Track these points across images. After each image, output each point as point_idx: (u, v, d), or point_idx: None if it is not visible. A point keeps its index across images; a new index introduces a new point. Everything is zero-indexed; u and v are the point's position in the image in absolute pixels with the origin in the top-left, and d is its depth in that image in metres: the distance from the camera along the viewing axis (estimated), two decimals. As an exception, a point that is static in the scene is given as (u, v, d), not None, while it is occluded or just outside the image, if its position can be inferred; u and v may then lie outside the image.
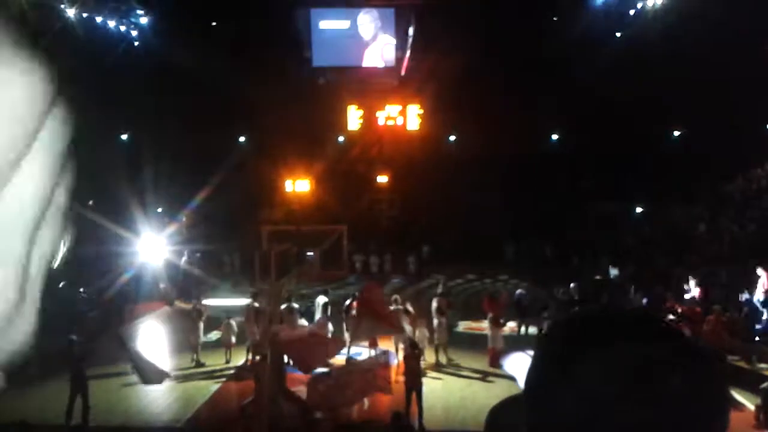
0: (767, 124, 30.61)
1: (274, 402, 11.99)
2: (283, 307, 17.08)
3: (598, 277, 26.28)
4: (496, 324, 17.71)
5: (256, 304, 18.02)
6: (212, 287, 25.19)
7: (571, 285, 22.06)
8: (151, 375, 13.02)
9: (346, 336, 18.03)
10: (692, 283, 21.01)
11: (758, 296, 19.38)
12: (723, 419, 0.96)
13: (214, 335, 19.16)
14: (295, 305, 18.17)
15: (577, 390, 0.94)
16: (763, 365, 16.02)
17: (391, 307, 17.30)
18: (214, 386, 15.94)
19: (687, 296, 20.55)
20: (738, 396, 14.05)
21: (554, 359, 1.00)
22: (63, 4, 28.15)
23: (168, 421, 13.71)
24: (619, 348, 0.95)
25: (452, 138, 37.19)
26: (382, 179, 35.68)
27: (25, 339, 0.63)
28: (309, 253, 28.04)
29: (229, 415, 13.58)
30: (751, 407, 13.41)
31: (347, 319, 18.08)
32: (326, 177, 32.82)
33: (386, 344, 17.68)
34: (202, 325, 18.17)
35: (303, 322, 18.21)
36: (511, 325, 20.13)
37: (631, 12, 32.64)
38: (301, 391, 14.12)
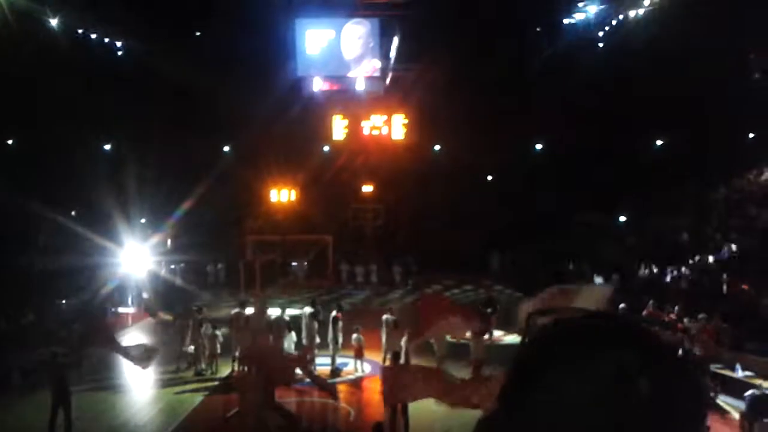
0: (749, 133, 30.92)
1: (258, 414, 11.89)
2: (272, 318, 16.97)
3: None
4: (479, 335, 17.56)
5: (247, 311, 17.66)
6: (196, 297, 24.95)
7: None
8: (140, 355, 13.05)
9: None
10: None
11: None
12: (699, 424, 0.95)
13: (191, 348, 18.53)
14: (285, 317, 17.98)
15: (550, 398, 0.92)
16: (748, 373, 16.09)
17: (384, 317, 17.29)
18: (198, 398, 15.79)
19: None
20: (723, 404, 14.13)
21: (527, 367, 0.99)
22: (47, 12, 28.02)
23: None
24: (592, 355, 0.93)
25: (437, 148, 37.25)
26: (368, 189, 35.61)
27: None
28: (294, 264, 28.00)
29: (213, 427, 13.46)
30: (736, 415, 13.48)
31: (334, 329, 17.97)
32: (311, 187, 32.71)
33: (374, 355, 17.64)
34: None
35: (292, 335, 17.98)
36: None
37: (613, 23, 32.96)
38: (292, 402, 14.07)
